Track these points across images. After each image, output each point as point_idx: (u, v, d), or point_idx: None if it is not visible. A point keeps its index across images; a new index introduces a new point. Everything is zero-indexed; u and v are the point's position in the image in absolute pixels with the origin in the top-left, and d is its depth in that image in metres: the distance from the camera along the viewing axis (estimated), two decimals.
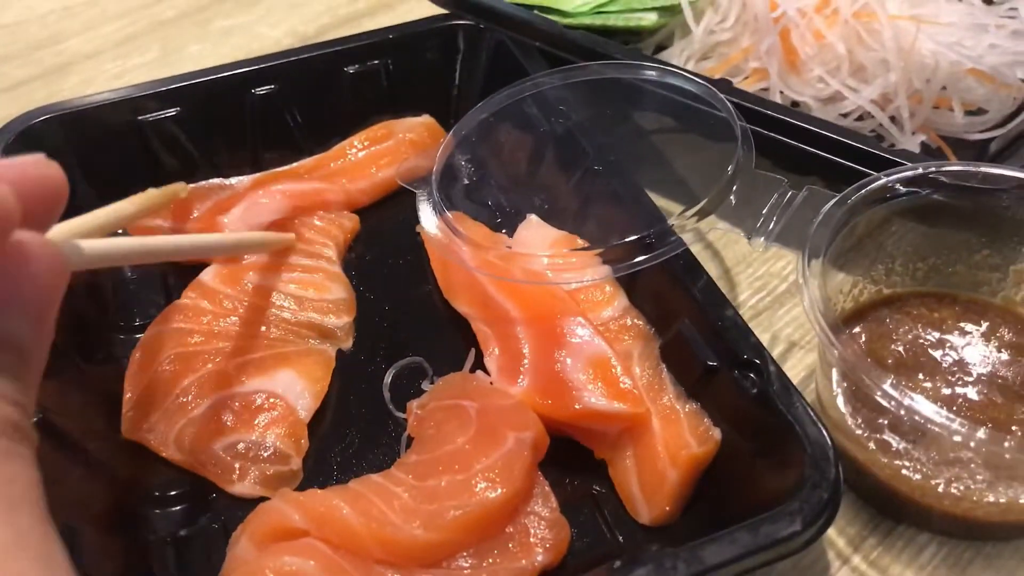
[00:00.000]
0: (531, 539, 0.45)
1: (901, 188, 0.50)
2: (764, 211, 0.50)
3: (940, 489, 0.45)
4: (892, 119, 0.63)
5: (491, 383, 0.51)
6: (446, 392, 0.52)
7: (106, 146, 0.63)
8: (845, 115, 0.63)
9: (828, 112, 0.62)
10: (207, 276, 0.58)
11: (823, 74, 0.61)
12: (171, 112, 0.64)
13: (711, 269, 0.60)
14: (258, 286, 0.58)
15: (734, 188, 0.50)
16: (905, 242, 0.53)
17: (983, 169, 0.49)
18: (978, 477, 0.44)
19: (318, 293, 0.58)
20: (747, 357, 0.47)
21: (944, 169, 0.49)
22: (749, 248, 0.60)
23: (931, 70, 0.60)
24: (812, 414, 0.44)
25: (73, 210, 0.60)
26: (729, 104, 0.53)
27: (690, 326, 0.50)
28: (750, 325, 0.50)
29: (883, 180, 0.49)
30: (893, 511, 0.48)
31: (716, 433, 0.47)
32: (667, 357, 0.51)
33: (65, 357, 0.52)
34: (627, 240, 0.49)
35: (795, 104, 0.63)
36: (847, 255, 0.51)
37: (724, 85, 0.58)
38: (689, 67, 0.67)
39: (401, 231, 0.63)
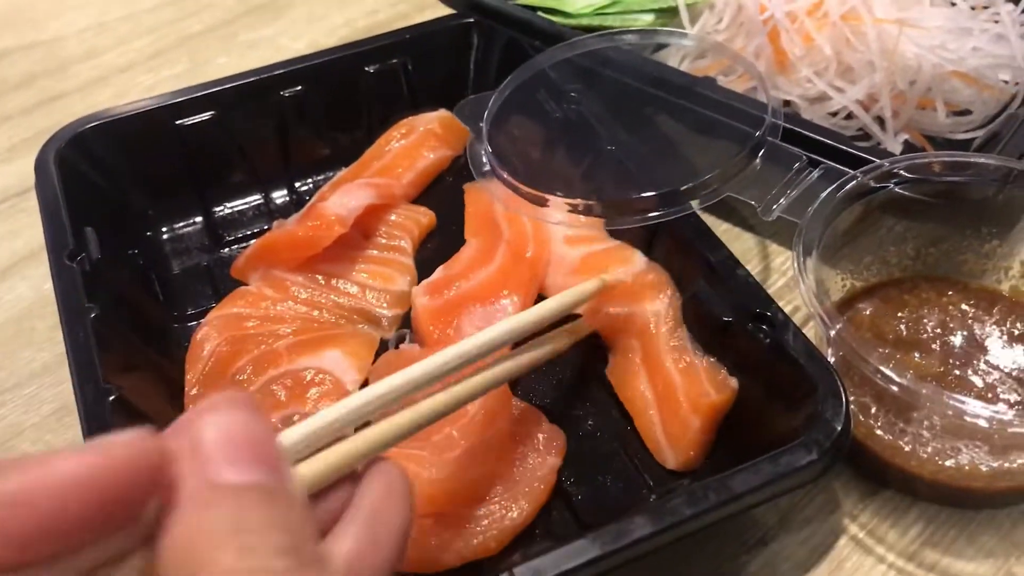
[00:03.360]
0: (540, 448, 0.53)
1: (906, 174, 0.54)
2: (780, 183, 0.55)
3: (925, 456, 0.50)
4: (879, 119, 0.67)
5: None
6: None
7: (148, 149, 0.69)
8: (833, 114, 0.69)
9: (815, 111, 0.67)
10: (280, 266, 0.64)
11: (810, 75, 0.66)
12: (207, 116, 0.69)
13: None
14: (328, 274, 0.64)
15: (759, 155, 0.56)
16: (916, 227, 0.57)
17: (974, 159, 0.54)
18: (963, 447, 0.49)
19: (383, 283, 0.64)
20: (759, 311, 0.51)
21: (945, 160, 0.54)
22: (752, 244, 0.66)
23: (914, 71, 0.65)
24: (822, 357, 0.48)
25: (125, 212, 0.66)
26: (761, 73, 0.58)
27: (705, 287, 0.55)
28: None
29: (887, 166, 0.54)
30: (885, 479, 0.53)
31: (733, 382, 0.52)
32: (685, 316, 0.56)
33: (133, 347, 0.57)
34: (648, 195, 0.55)
35: (786, 103, 0.68)
36: (858, 232, 0.55)
37: (708, 83, 0.63)
38: (684, 66, 0.73)
39: (449, 214, 0.70)
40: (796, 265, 0.49)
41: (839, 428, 0.46)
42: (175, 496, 0.27)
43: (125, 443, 0.27)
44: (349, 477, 0.35)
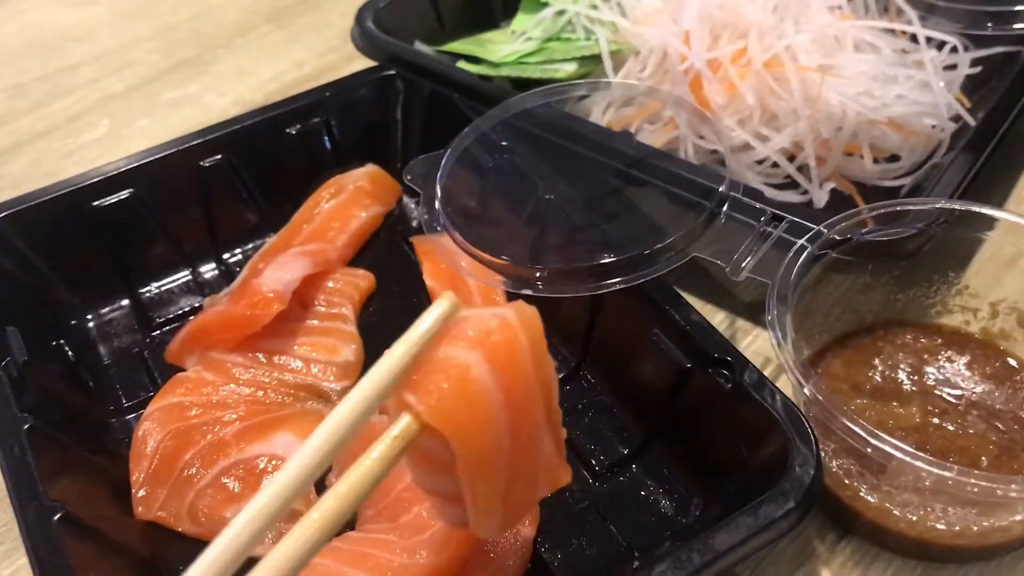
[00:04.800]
0: None
1: (870, 225, 0.55)
2: (746, 242, 0.56)
3: (896, 512, 0.50)
4: (806, 167, 0.69)
5: None
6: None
7: (65, 234, 0.67)
8: (759, 162, 0.70)
9: (741, 160, 0.69)
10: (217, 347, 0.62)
11: (732, 124, 0.67)
12: (124, 194, 0.67)
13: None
14: (269, 351, 0.63)
15: (722, 212, 0.57)
16: (883, 275, 0.58)
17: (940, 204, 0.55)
18: (932, 504, 0.50)
19: (328, 355, 0.63)
20: (718, 355, 0.51)
21: (910, 208, 0.55)
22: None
23: (839, 119, 0.67)
24: (788, 401, 0.49)
25: (47, 303, 0.63)
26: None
27: (660, 334, 0.54)
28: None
29: (852, 218, 0.54)
30: (856, 528, 0.54)
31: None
32: (642, 364, 0.55)
33: (70, 450, 0.54)
34: (617, 258, 0.55)
35: (711, 152, 0.69)
36: (826, 283, 0.56)
37: (625, 138, 0.65)
38: (609, 114, 0.74)
39: (388, 273, 0.70)
40: (770, 321, 0.49)
41: (812, 473, 0.47)
42: None
43: None
44: None
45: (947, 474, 0.43)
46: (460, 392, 0.38)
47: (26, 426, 0.52)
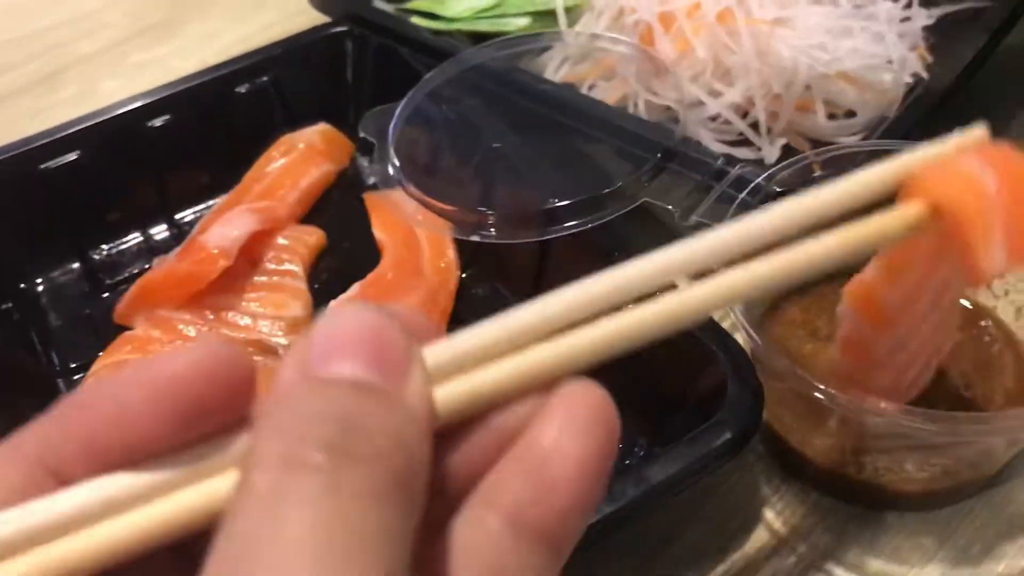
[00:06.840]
0: None
1: (825, 170, 0.54)
2: (698, 186, 0.56)
3: (844, 457, 0.51)
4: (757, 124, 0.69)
5: None
6: None
7: (13, 196, 0.66)
8: (712, 119, 0.70)
9: (694, 115, 0.69)
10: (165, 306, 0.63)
11: (683, 80, 0.67)
12: (72, 157, 0.67)
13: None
14: (217, 308, 0.63)
15: (675, 158, 0.57)
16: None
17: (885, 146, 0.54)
18: (883, 453, 0.50)
19: (276, 310, 0.64)
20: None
21: (866, 149, 0.54)
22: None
23: (790, 73, 0.66)
24: (728, 337, 0.49)
25: None
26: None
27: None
28: None
29: (804, 161, 0.54)
30: (804, 475, 0.54)
31: None
32: None
33: (16, 407, 0.55)
34: (568, 202, 0.55)
35: (667, 109, 0.70)
36: None
37: (567, 90, 0.66)
38: (564, 71, 0.75)
39: (341, 231, 0.70)
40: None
41: (751, 403, 0.47)
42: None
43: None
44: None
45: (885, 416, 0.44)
46: None
47: None
